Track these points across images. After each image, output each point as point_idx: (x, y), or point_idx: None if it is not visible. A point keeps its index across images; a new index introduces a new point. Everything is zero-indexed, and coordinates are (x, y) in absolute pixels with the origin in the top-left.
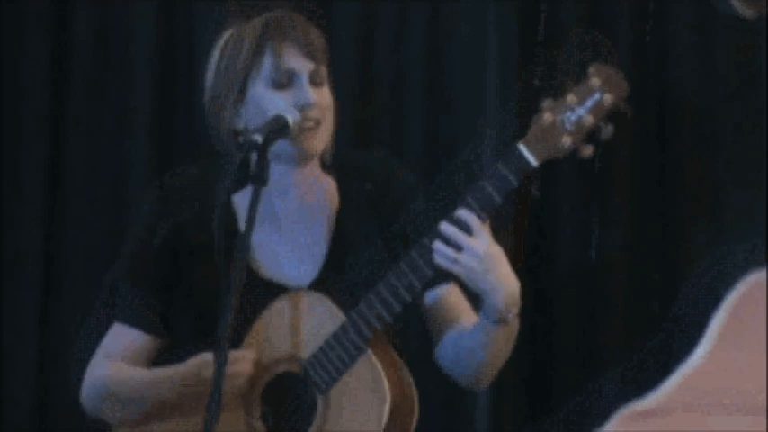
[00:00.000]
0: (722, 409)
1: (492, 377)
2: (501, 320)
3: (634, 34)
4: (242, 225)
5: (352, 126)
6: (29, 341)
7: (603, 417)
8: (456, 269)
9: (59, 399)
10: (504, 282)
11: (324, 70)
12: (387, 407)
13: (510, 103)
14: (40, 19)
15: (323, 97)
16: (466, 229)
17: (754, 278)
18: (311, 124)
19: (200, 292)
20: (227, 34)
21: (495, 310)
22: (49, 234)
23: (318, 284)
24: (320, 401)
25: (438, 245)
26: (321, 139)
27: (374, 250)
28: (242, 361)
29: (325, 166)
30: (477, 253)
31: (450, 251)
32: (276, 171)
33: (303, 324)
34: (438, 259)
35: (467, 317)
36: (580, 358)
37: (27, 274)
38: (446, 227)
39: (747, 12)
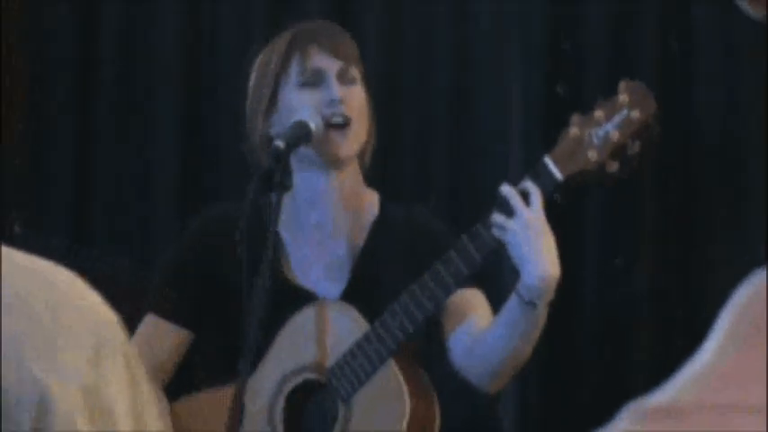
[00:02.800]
0: (731, 410)
1: (506, 376)
2: (530, 303)
3: (660, 54)
4: (281, 228)
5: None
6: None
7: None
8: (502, 235)
9: None
10: (542, 259)
11: (354, 70)
12: (405, 421)
13: (535, 117)
14: (65, 30)
15: (353, 96)
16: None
17: (762, 276)
18: (339, 120)
19: (232, 327)
20: (262, 53)
21: (527, 287)
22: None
23: (348, 295)
24: (342, 410)
25: (498, 216)
26: (351, 141)
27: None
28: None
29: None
30: (523, 219)
31: (502, 217)
32: (310, 177)
33: (328, 333)
34: (493, 231)
35: (483, 312)
36: (604, 392)
37: None
38: (507, 190)
39: (754, 12)
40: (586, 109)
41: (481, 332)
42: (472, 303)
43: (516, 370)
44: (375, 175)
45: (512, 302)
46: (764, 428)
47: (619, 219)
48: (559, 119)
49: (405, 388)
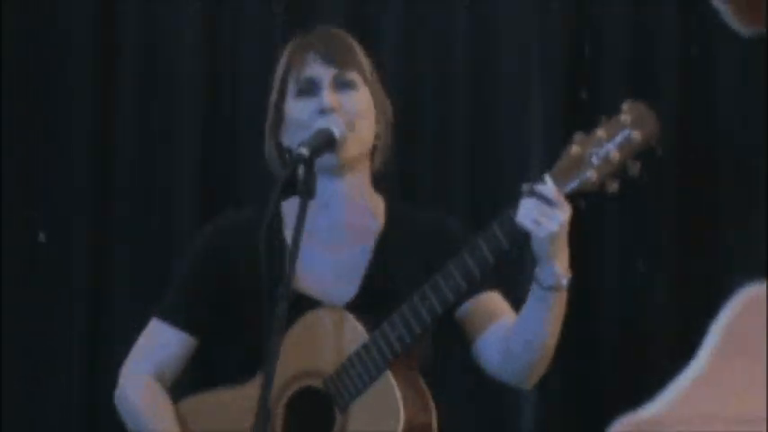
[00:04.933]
0: (722, 422)
1: (543, 367)
2: (556, 286)
3: (678, 64)
4: (287, 233)
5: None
6: (78, 364)
7: None
8: (535, 230)
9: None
10: (565, 249)
11: (354, 75)
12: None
13: (555, 118)
14: (85, 34)
15: (352, 101)
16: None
17: (752, 290)
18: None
19: (248, 332)
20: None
21: (553, 274)
22: (95, 246)
23: (355, 304)
24: (339, 418)
25: (526, 205)
26: (353, 143)
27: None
28: None
29: (377, 186)
30: (560, 219)
31: (535, 213)
32: (320, 183)
33: (329, 340)
34: (521, 219)
35: (508, 313)
36: (624, 397)
37: (75, 297)
38: (542, 188)
39: (743, 29)
40: (608, 110)
41: (512, 331)
42: (495, 306)
43: (549, 359)
44: (393, 179)
45: (535, 292)
46: None
47: (639, 223)
48: (579, 120)
49: (400, 400)
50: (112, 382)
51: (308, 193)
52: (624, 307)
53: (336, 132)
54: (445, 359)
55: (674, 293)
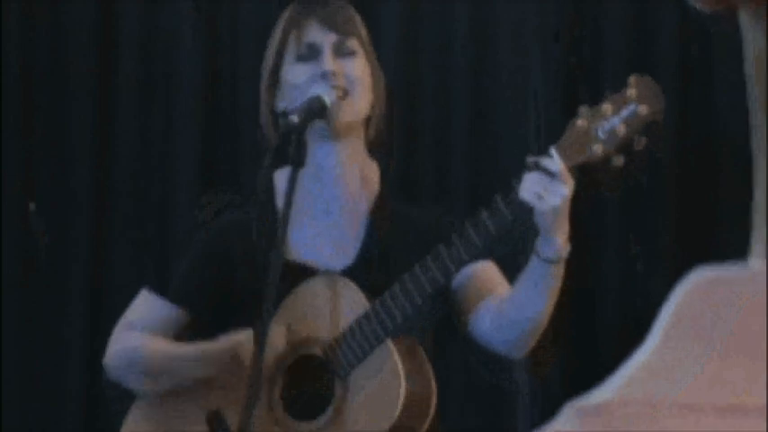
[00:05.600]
0: (668, 406)
1: (533, 339)
2: (556, 259)
3: (679, 55)
4: (280, 202)
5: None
6: (76, 356)
7: None
8: (537, 204)
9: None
10: (566, 222)
11: (353, 42)
12: (400, 404)
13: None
14: (84, 30)
15: (351, 68)
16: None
17: (701, 275)
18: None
19: (246, 308)
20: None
21: (553, 247)
22: (95, 245)
23: (352, 271)
24: (338, 386)
25: (530, 179)
26: (349, 110)
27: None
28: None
29: (372, 151)
30: (563, 192)
31: (538, 188)
32: (314, 150)
33: (329, 308)
34: (524, 194)
35: (502, 284)
36: None
37: (75, 293)
38: (547, 161)
39: (698, 3)
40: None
41: (506, 300)
42: (491, 276)
43: (540, 332)
44: (394, 171)
45: (533, 263)
46: (693, 425)
47: (639, 222)
48: (577, 105)
49: (401, 370)
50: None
51: (298, 161)
52: (624, 305)
53: (328, 100)
54: (443, 356)
55: (673, 283)
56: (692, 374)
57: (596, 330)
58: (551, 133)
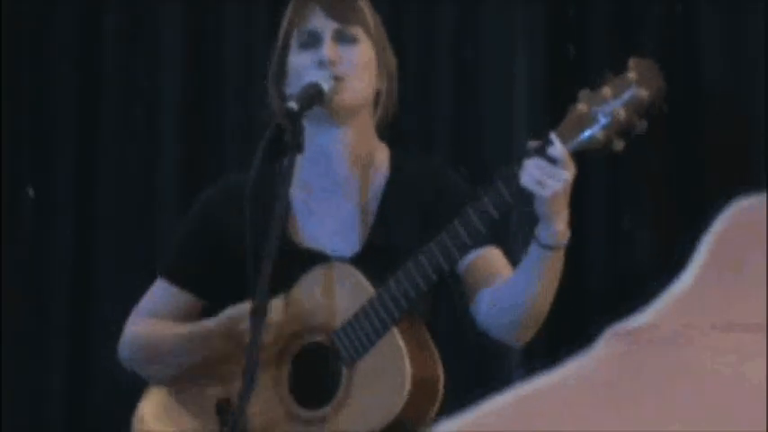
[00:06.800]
0: (699, 327)
1: (533, 326)
2: (556, 246)
3: (662, 29)
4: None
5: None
6: (60, 344)
7: None
8: (539, 191)
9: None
10: (566, 208)
11: (356, 29)
12: (406, 391)
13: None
14: (68, 24)
15: (352, 54)
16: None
17: (745, 202)
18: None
19: (241, 294)
20: None
21: (554, 233)
22: (80, 238)
23: (360, 257)
24: (345, 374)
25: (531, 164)
26: (350, 95)
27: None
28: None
29: (383, 136)
30: (564, 178)
31: (539, 174)
32: (315, 134)
33: (335, 295)
34: (525, 181)
35: (506, 269)
36: None
37: (58, 280)
38: (549, 148)
39: None
40: (589, 77)
41: (505, 286)
42: (494, 262)
43: (540, 319)
44: None
45: (533, 249)
46: (722, 344)
47: (624, 179)
48: (563, 90)
49: (406, 356)
50: (96, 378)
51: (296, 147)
52: (610, 264)
53: (325, 86)
54: (442, 352)
55: (660, 250)
56: (735, 300)
57: (582, 292)
58: (538, 94)
